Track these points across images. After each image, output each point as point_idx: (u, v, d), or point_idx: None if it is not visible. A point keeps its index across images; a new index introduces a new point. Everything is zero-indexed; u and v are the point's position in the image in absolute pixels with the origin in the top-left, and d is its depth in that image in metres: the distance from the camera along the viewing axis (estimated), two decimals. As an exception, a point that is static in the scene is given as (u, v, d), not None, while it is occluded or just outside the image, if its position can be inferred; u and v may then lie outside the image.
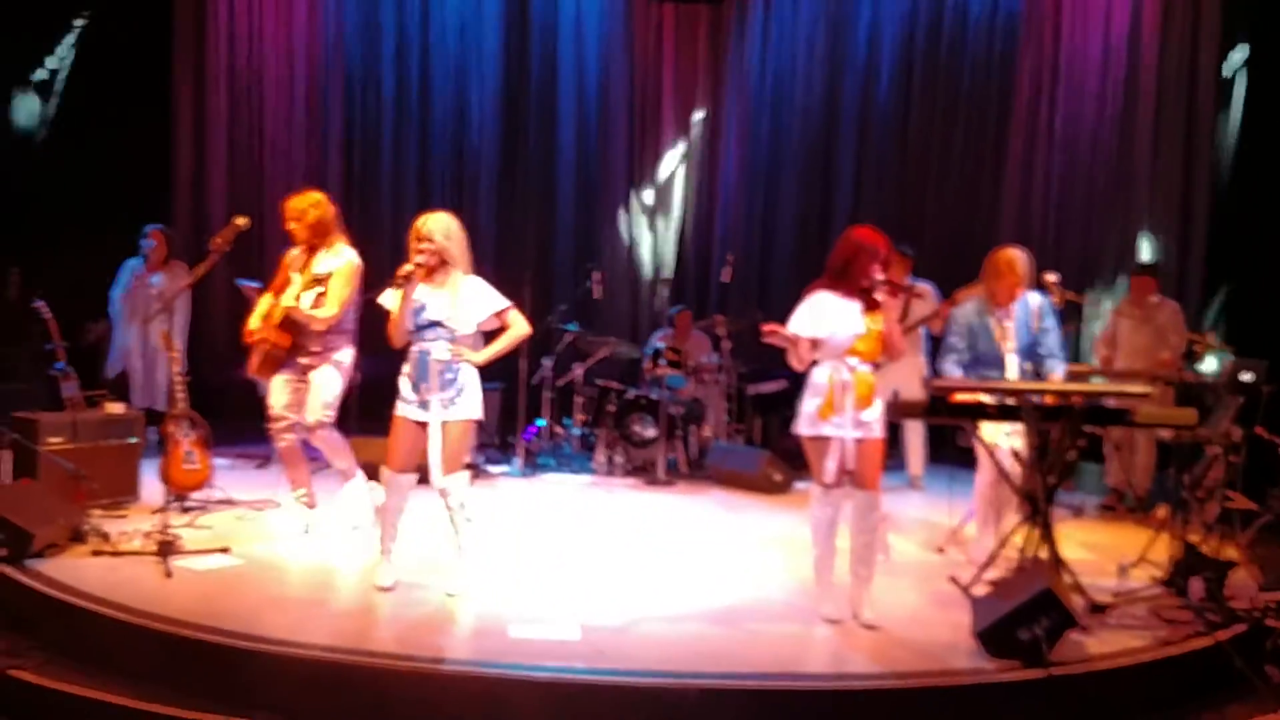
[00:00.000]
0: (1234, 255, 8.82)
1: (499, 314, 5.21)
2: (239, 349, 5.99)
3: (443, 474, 5.07)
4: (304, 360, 5.93)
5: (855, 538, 4.98)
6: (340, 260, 5.87)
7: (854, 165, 11.09)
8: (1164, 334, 7.59)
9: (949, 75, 10.81)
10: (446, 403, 5.05)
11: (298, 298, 5.84)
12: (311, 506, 6.17)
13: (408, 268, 4.96)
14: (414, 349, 5.10)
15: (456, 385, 5.08)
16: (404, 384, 5.11)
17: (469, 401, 5.12)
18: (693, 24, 11.26)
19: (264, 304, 6.00)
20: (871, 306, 4.92)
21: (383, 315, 5.16)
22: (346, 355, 6.01)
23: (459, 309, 5.08)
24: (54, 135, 9.41)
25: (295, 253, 5.98)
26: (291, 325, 5.85)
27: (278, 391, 5.99)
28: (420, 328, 5.07)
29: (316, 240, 5.91)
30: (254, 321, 5.94)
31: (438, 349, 5.05)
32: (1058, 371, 5.88)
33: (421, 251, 5.00)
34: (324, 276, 5.83)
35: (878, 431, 4.93)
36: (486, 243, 11.28)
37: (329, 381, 5.92)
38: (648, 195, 11.41)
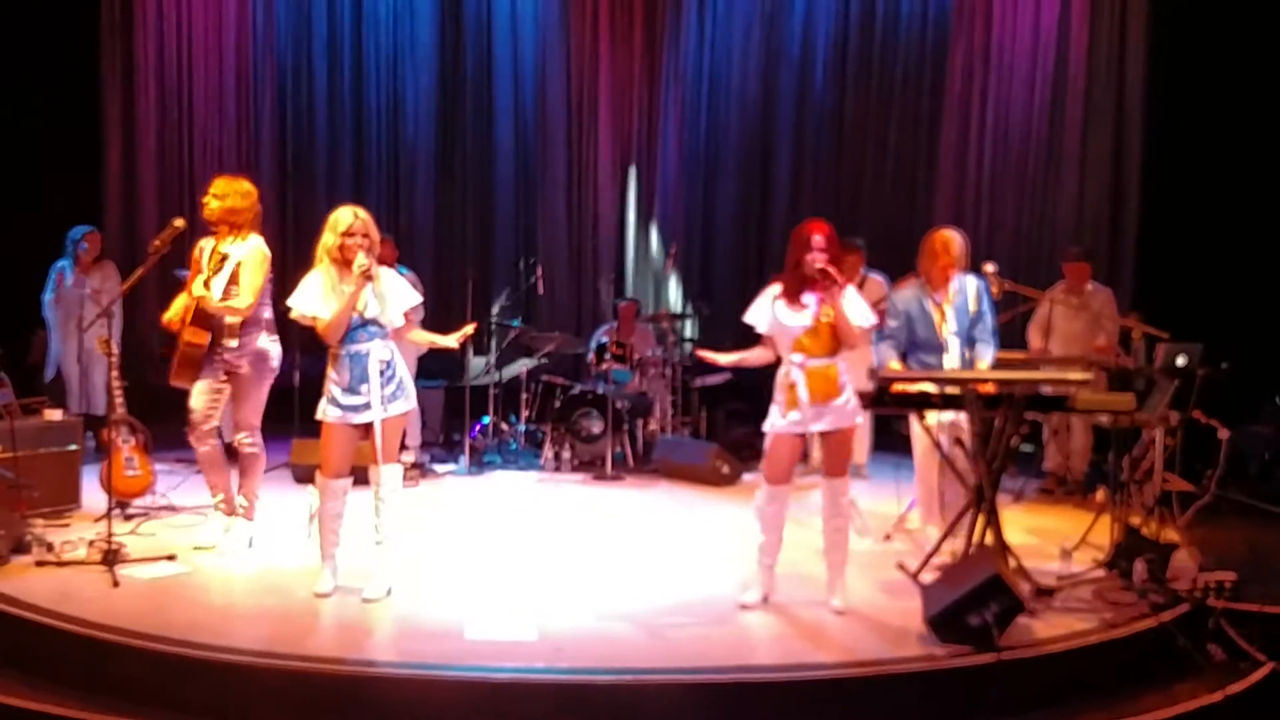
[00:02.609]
0: (1166, 240, 9.01)
1: (411, 309, 5.21)
2: (171, 350, 5.77)
3: (383, 465, 5.04)
4: (226, 357, 5.66)
5: (826, 523, 5.06)
6: (248, 247, 5.63)
7: (791, 156, 11.19)
8: (1098, 320, 7.72)
9: (883, 66, 10.95)
10: (387, 399, 5.01)
11: (207, 283, 5.59)
12: (230, 513, 5.90)
13: (363, 261, 4.89)
14: (346, 350, 4.98)
15: (395, 379, 5.05)
16: (335, 389, 4.99)
17: (409, 394, 5.13)
18: (629, 15, 11.24)
19: (182, 300, 5.72)
20: (823, 292, 4.93)
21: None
22: (269, 350, 5.76)
23: (386, 304, 5.03)
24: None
25: (204, 243, 5.75)
26: (205, 320, 5.59)
27: (198, 393, 5.74)
28: (353, 328, 4.98)
29: (228, 225, 5.64)
30: (171, 312, 5.71)
31: (376, 349, 5.00)
32: (987, 357, 5.93)
33: (361, 248, 4.93)
34: (235, 265, 5.58)
35: (847, 420, 4.98)
36: (425, 238, 11.26)
37: (253, 390, 5.72)
38: (588, 188, 11.38)
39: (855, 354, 7.92)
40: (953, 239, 5.97)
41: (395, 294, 5.09)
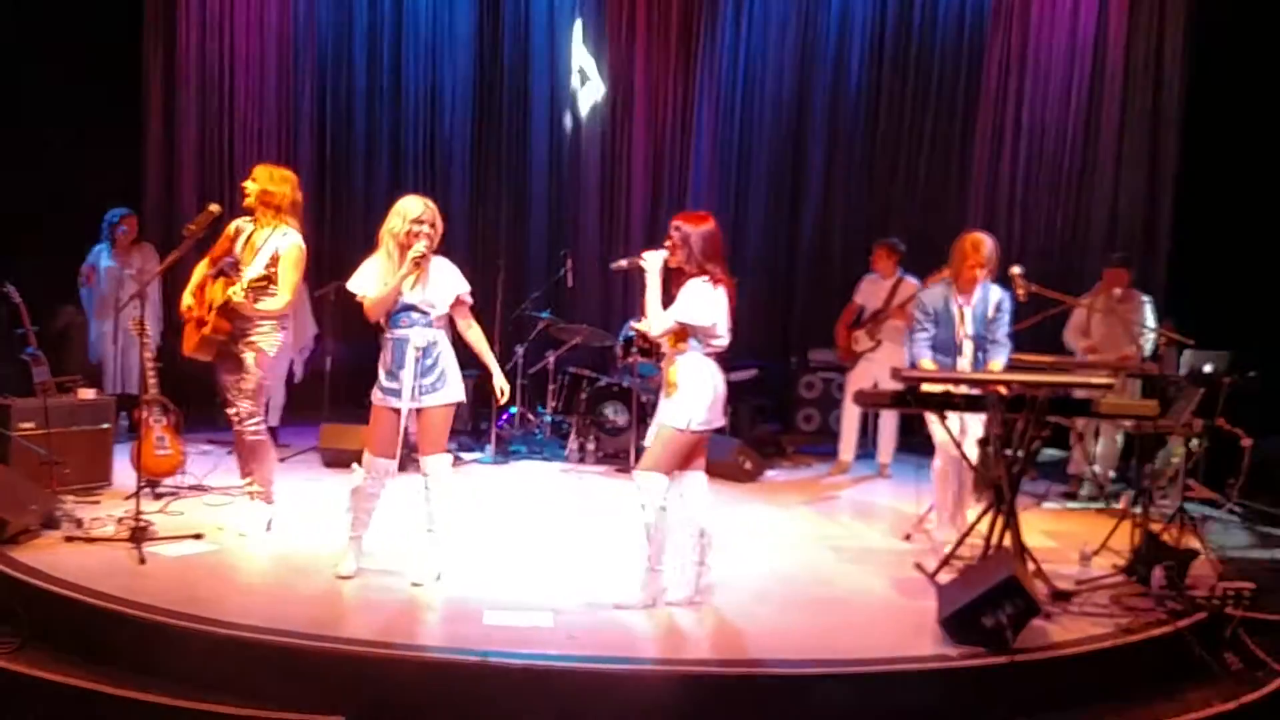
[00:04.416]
0: (1200, 245, 8.94)
1: (459, 296, 5.24)
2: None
3: (426, 456, 5.13)
4: (240, 345, 5.71)
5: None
6: (287, 242, 5.68)
7: (824, 155, 11.14)
8: (1131, 327, 7.67)
9: (918, 67, 10.88)
10: (426, 388, 5.07)
11: (239, 270, 5.64)
12: (268, 501, 5.96)
13: (420, 249, 4.98)
14: (389, 335, 5.10)
15: (436, 369, 5.10)
16: (380, 371, 5.13)
17: (451, 386, 5.15)
18: (665, 10, 11.25)
19: (198, 274, 5.75)
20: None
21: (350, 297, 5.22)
22: (275, 340, 5.77)
23: (431, 291, 5.11)
24: (22, 115, 9.30)
25: (239, 224, 5.80)
26: (231, 311, 5.65)
27: (228, 386, 5.82)
28: (394, 313, 5.07)
29: (263, 212, 5.70)
30: (188, 297, 5.73)
31: (415, 335, 5.07)
32: (998, 360, 5.97)
33: (427, 236, 5.03)
34: (270, 257, 5.63)
35: (666, 418, 4.98)
36: (459, 229, 11.26)
37: (255, 374, 5.72)
38: (621, 183, 11.41)
39: (884, 352, 8.03)
40: (983, 240, 5.99)
41: (443, 281, 5.16)
